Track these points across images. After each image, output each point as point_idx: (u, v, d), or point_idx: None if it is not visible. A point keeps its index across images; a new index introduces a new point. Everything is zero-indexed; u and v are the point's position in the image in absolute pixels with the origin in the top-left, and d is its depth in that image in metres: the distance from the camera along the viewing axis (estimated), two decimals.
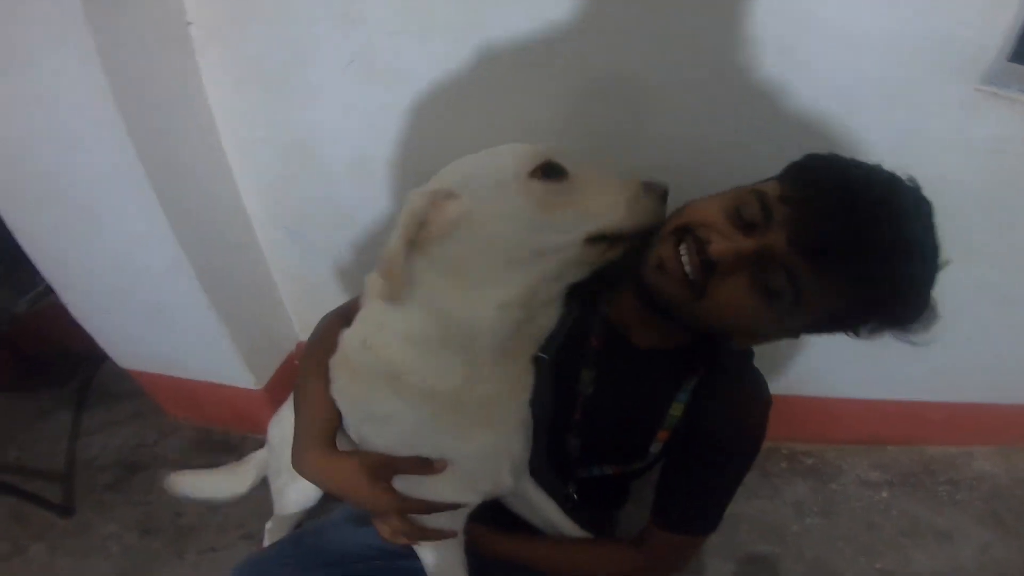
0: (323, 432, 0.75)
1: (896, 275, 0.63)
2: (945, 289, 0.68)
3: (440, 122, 1.06)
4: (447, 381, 0.67)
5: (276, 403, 1.14)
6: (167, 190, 1.08)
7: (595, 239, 0.66)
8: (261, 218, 1.32)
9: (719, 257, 0.66)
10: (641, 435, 0.84)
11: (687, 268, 0.67)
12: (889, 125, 1.01)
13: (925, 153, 0.99)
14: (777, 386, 1.34)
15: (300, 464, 0.76)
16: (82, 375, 1.83)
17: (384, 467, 0.71)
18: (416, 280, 0.65)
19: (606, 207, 0.66)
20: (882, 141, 1.02)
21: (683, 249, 0.68)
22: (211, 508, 1.47)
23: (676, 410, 0.82)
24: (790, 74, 0.98)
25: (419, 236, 0.63)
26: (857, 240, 0.61)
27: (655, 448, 0.84)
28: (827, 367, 1.46)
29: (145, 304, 1.31)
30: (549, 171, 0.65)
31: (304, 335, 1.51)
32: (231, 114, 1.15)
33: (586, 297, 0.82)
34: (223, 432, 1.67)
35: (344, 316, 0.78)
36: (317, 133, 1.15)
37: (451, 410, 0.69)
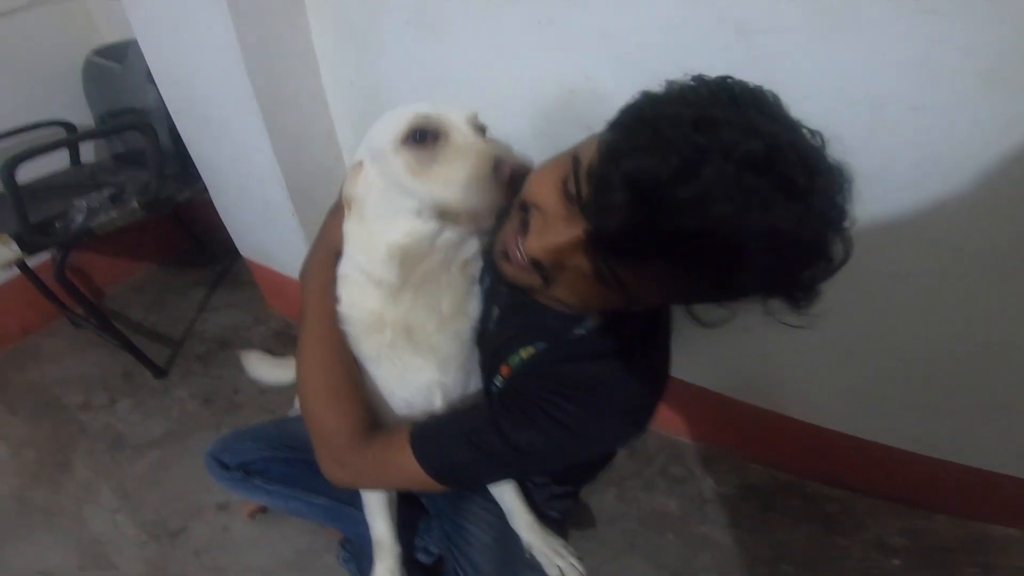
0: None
1: (740, 261, 0.56)
2: None
3: (474, 69, 1.28)
4: (368, 305, 0.82)
5: None
6: (273, 116, 1.44)
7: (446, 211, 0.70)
8: (348, 146, 1.64)
9: (535, 255, 0.67)
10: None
11: (522, 256, 0.69)
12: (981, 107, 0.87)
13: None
14: (814, 414, 1.39)
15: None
16: (224, 263, 2.36)
17: None
18: (351, 229, 0.81)
19: (448, 183, 0.68)
20: (973, 126, 0.89)
21: (518, 237, 0.70)
22: (262, 391, 1.83)
23: (525, 353, 0.84)
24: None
25: (350, 196, 0.79)
26: (652, 237, 0.56)
27: (498, 382, 0.87)
28: (876, 405, 1.34)
29: (256, 201, 1.69)
30: (420, 136, 0.70)
31: None
32: (331, 61, 1.47)
33: None
34: (298, 326, 2.07)
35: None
36: (384, 80, 1.43)
37: (378, 331, 0.82)
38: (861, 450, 1.39)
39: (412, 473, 0.80)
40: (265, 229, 1.77)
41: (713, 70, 0.64)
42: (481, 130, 0.74)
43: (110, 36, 1.96)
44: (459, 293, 0.84)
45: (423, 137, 0.70)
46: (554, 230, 0.65)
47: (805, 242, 0.57)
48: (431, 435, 0.81)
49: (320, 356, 0.86)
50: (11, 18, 1.84)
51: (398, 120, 0.72)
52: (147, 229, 2.18)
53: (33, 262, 1.87)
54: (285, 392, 1.67)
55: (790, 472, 1.56)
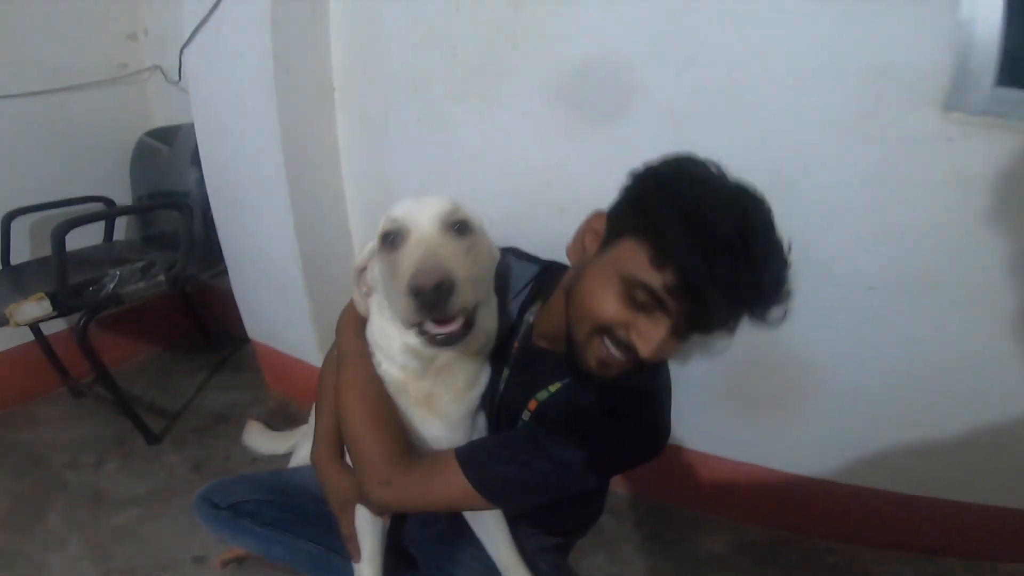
0: (336, 441, 1.05)
1: (768, 304, 0.79)
2: None
3: (470, 160, 1.56)
4: (393, 374, 0.96)
5: None
6: (298, 203, 1.70)
7: None
8: (360, 233, 1.88)
9: (654, 357, 0.82)
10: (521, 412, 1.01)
11: (622, 358, 0.84)
12: (853, 164, 1.14)
13: (890, 190, 1.13)
14: (803, 464, 1.51)
15: (316, 461, 1.07)
16: (227, 351, 2.53)
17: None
18: (374, 313, 0.96)
19: (394, 296, 0.79)
20: (849, 182, 1.16)
21: (611, 346, 0.84)
22: (254, 459, 1.91)
23: (552, 388, 0.98)
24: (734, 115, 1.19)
25: (359, 280, 0.95)
26: (735, 302, 0.78)
27: (525, 416, 0.99)
28: (867, 450, 1.44)
29: (273, 283, 1.90)
30: (391, 240, 0.80)
31: None
32: (350, 154, 1.77)
33: (523, 305, 1.07)
34: (296, 406, 2.19)
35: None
36: (395, 170, 1.70)
37: (402, 393, 0.96)
38: (856, 498, 1.48)
39: (458, 489, 0.89)
40: (278, 311, 1.97)
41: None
42: (456, 224, 0.83)
43: (161, 121, 2.30)
44: (474, 370, 0.99)
45: (392, 241, 0.79)
46: (653, 334, 0.81)
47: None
48: (478, 453, 0.92)
49: (359, 388, 0.98)
50: (76, 92, 2.16)
51: (382, 221, 0.82)
52: (155, 315, 2.38)
53: (47, 330, 2.06)
54: (276, 463, 1.79)
55: (786, 528, 1.61)
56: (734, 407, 1.53)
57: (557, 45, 1.34)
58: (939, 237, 1.15)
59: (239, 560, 1.51)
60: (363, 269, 0.96)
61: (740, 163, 1.08)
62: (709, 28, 1.17)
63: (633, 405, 0.93)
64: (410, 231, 0.79)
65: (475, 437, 1.03)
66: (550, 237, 1.12)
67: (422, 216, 0.80)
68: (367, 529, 1.06)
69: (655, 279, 0.78)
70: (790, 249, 0.81)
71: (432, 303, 0.71)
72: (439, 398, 0.97)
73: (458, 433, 1.01)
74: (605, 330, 0.84)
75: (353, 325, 1.02)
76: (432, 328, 0.76)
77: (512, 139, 1.46)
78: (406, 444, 0.96)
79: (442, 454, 0.93)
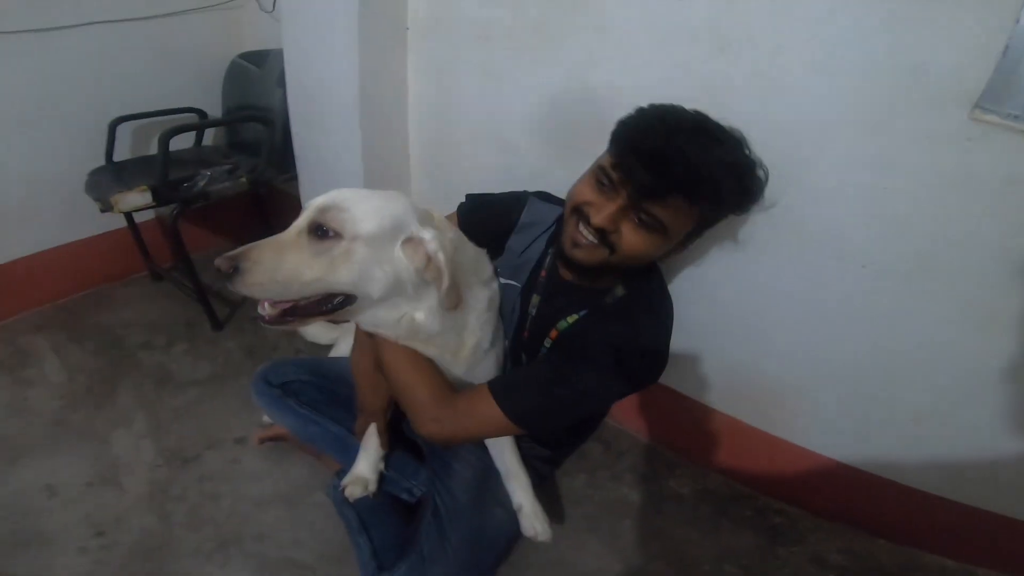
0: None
1: (718, 188, 1.00)
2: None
3: (529, 115, 1.69)
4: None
5: None
6: (367, 126, 1.87)
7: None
8: (417, 163, 2.06)
9: (601, 224, 1.03)
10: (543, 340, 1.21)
11: (590, 237, 1.05)
12: (871, 152, 1.22)
13: (914, 186, 1.20)
14: (775, 427, 1.64)
15: (355, 366, 1.31)
16: None
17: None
18: None
19: None
20: (864, 168, 1.23)
21: (581, 227, 1.06)
22: (297, 350, 2.19)
23: (571, 319, 1.17)
24: (765, 95, 1.29)
25: None
26: (669, 176, 0.97)
27: (547, 343, 1.19)
28: (821, 417, 1.56)
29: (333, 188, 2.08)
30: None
31: None
32: (416, 91, 1.93)
33: (549, 240, 1.28)
34: None
35: None
36: (454, 111, 1.86)
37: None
38: (813, 465, 1.60)
39: (496, 419, 1.07)
40: None
41: None
42: (318, 228, 1.03)
43: (252, 45, 2.50)
44: (478, 330, 1.18)
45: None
46: (606, 207, 1.03)
47: (742, 166, 1.06)
48: (510, 386, 1.10)
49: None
50: (179, 18, 2.38)
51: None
52: (228, 211, 2.62)
53: (138, 219, 2.37)
54: (319, 352, 2.03)
55: (746, 484, 1.76)
56: (727, 362, 1.66)
57: (615, 13, 1.42)
58: (939, 229, 1.22)
59: (274, 440, 1.75)
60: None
61: (763, 135, 1.20)
62: (758, 13, 1.24)
63: (639, 336, 1.10)
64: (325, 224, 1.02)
65: (484, 376, 1.21)
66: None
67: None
68: (372, 434, 1.33)
69: (606, 160, 1.04)
70: (741, 143, 1.08)
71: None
72: (450, 359, 1.18)
73: (472, 374, 1.21)
74: (578, 211, 1.07)
75: None
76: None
77: (564, 94, 1.58)
78: (446, 384, 1.15)
79: (479, 389, 1.11)
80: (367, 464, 1.34)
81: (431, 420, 1.11)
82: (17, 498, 1.61)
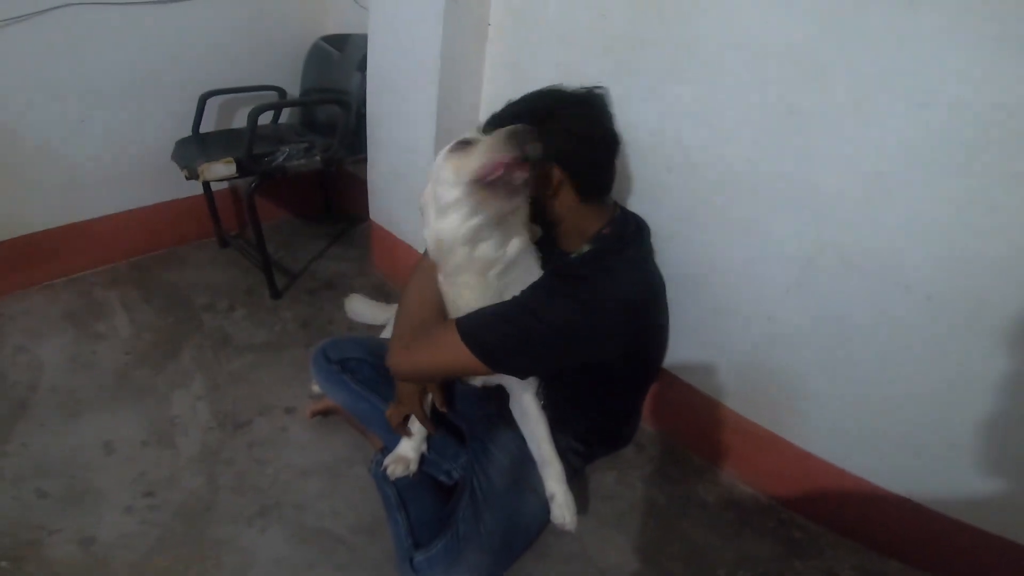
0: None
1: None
2: None
3: None
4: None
5: None
6: (442, 115, 1.94)
7: None
8: None
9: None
10: None
11: None
12: (955, 188, 1.20)
13: (992, 224, 1.18)
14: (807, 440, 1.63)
15: (389, 359, 1.28)
16: (345, 226, 2.96)
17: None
18: None
19: None
20: (945, 204, 1.21)
21: None
22: (351, 326, 2.26)
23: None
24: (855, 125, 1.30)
25: None
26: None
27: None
28: (860, 438, 1.54)
29: (404, 178, 2.21)
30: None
31: None
32: (491, 84, 1.97)
33: None
34: (392, 285, 2.54)
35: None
36: None
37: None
38: (840, 483, 1.58)
39: (458, 352, 1.12)
40: (401, 200, 2.30)
41: None
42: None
43: (334, 29, 2.61)
44: (478, 291, 1.21)
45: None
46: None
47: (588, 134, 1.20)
48: (474, 318, 1.15)
49: (418, 278, 1.28)
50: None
51: None
52: (295, 186, 2.77)
53: (214, 187, 2.50)
54: (370, 331, 2.09)
55: (773, 497, 1.75)
56: (760, 375, 1.65)
57: (698, 29, 1.43)
58: (1008, 267, 1.19)
59: (324, 414, 1.83)
60: None
61: (845, 164, 1.25)
62: (855, 43, 1.22)
63: (596, 285, 1.16)
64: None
65: None
66: (657, 192, 1.39)
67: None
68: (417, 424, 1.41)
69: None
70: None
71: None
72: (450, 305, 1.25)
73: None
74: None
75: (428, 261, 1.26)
76: None
77: (636, 105, 1.57)
78: (436, 322, 1.21)
79: (448, 322, 1.17)
80: (410, 444, 1.41)
81: (402, 346, 1.21)
82: (75, 453, 1.68)
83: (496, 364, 1.14)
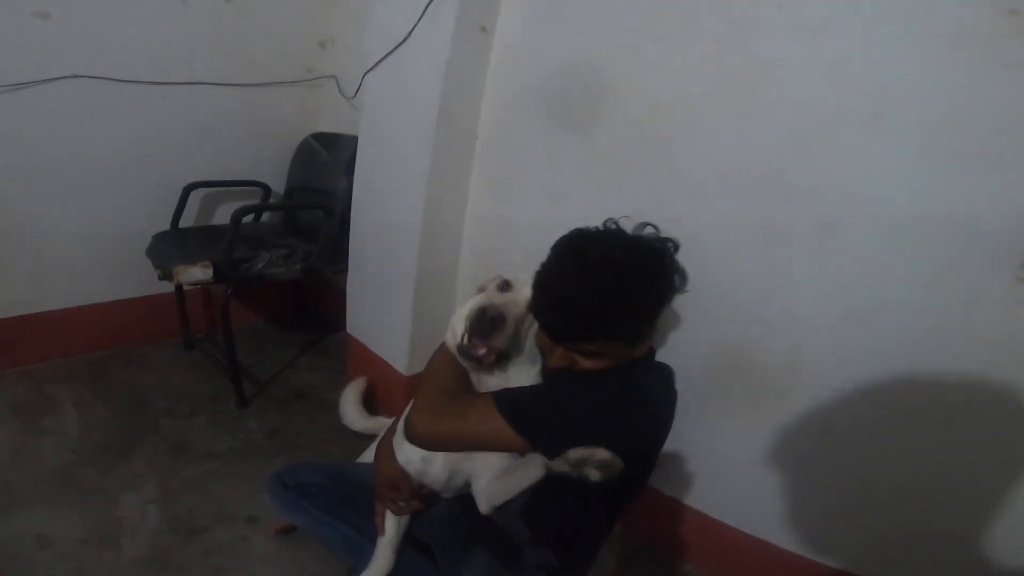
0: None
1: (627, 324, 1.14)
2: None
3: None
4: None
5: (411, 394, 1.52)
6: (426, 231, 2.00)
7: None
8: (464, 273, 2.17)
9: (556, 366, 1.21)
10: None
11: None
12: (922, 314, 1.32)
13: (960, 348, 1.29)
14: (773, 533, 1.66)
15: (381, 444, 1.43)
16: (319, 334, 2.91)
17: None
18: None
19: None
20: (915, 331, 1.33)
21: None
22: (320, 439, 2.22)
23: None
24: (828, 246, 1.39)
25: None
26: (577, 326, 1.12)
27: None
28: (842, 531, 1.57)
29: (385, 290, 2.22)
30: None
31: None
32: (477, 198, 2.08)
33: None
34: (368, 403, 2.40)
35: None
36: (510, 228, 1.98)
37: None
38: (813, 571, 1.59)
39: (491, 419, 1.14)
40: (380, 314, 2.29)
41: None
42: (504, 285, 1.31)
43: (325, 127, 2.70)
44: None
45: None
46: (555, 351, 1.18)
47: (648, 298, 1.16)
48: (511, 392, 1.19)
49: (442, 355, 1.34)
50: (266, 88, 2.56)
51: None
52: (270, 291, 2.75)
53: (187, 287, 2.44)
54: (339, 444, 2.09)
55: None
56: (734, 469, 1.68)
57: (679, 159, 1.57)
58: (978, 385, 1.28)
59: (287, 531, 1.76)
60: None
61: (817, 290, 1.36)
62: (821, 165, 1.37)
63: (639, 377, 1.23)
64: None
65: None
66: None
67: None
68: (392, 520, 1.40)
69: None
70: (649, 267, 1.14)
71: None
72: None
73: None
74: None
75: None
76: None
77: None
78: (464, 390, 1.27)
79: (482, 393, 1.22)
80: (382, 564, 1.38)
81: (429, 406, 1.23)
82: (5, 544, 1.60)
83: (527, 431, 1.14)
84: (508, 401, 1.15)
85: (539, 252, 1.89)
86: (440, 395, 1.24)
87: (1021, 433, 1.28)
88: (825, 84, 1.34)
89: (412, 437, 1.26)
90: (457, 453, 1.30)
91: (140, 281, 2.41)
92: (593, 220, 1.71)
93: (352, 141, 2.24)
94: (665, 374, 1.31)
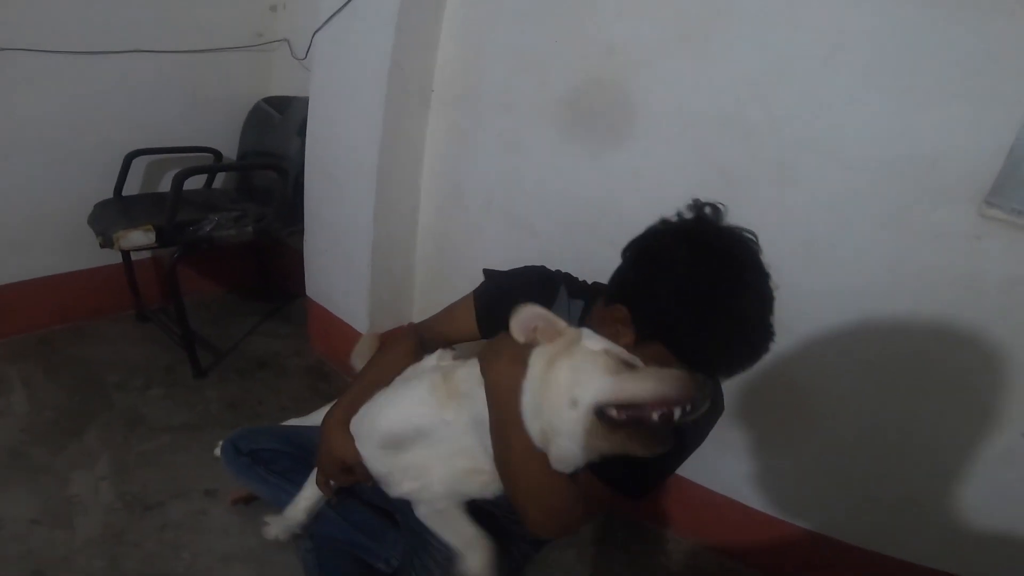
0: (347, 414, 1.20)
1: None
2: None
3: (536, 181, 1.77)
4: None
5: None
6: (382, 187, 1.95)
7: None
8: (424, 226, 2.13)
9: None
10: None
11: None
12: (882, 249, 1.29)
13: (920, 283, 1.27)
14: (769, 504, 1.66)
15: (327, 419, 1.22)
16: (282, 302, 2.83)
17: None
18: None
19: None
20: (874, 267, 1.31)
21: None
22: (282, 408, 2.14)
23: None
24: (787, 185, 1.37)
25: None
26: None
27: None
28: (825, 497, 1.57)
29: (342, 251, 2.17)
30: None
31: (416, 318, 2.22)
32: (433, 155, 2.03)
33: None
34: (331, 367, 2.43)
35: (417, 338, 1.24)
36: (469, 179, 1.95)
37: None
38: (802, 542, 1.61)
39: (607, 497, 0.99)
40: (339, 276, 2.25)
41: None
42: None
43: (278, 91, 2.62)
44: None
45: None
46: None
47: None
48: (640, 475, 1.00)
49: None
50: (215, 54, 2.47)
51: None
52: (226, 258, 2.70)
53: (135, 257, 2.40)
54: (304, 413, 1.91)
55: (737, 560, 1.74)
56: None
57: (636, 100, 1.54)
58: (940, 328, 1.28)
59: (246, 501, 1.71)
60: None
61: (776, 232, 1.26)
62: (778, 103, 1.35)
63: None
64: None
65: None
66: (598, 263, 1.29)
67: None
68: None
69: (629, 337, 0.96)
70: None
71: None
72: None
73: None
74: None
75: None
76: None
77: (578, 172, 1.67)
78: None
79: (590, 481, 0.97)
80: (303, 506, 1.30)
81: (560, 525, 1.00)
82: None
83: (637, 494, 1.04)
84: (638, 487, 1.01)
85: (495, 203, 1.93)
86: (567, 506, 0.97)
87: (983, 380, 1.28)
88: (780, 24, 1.31)
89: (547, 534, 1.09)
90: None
91: (86, 253, 2.30)
92: (551, 168, 1.71)
93: (305, 103, 2.17)
94: None
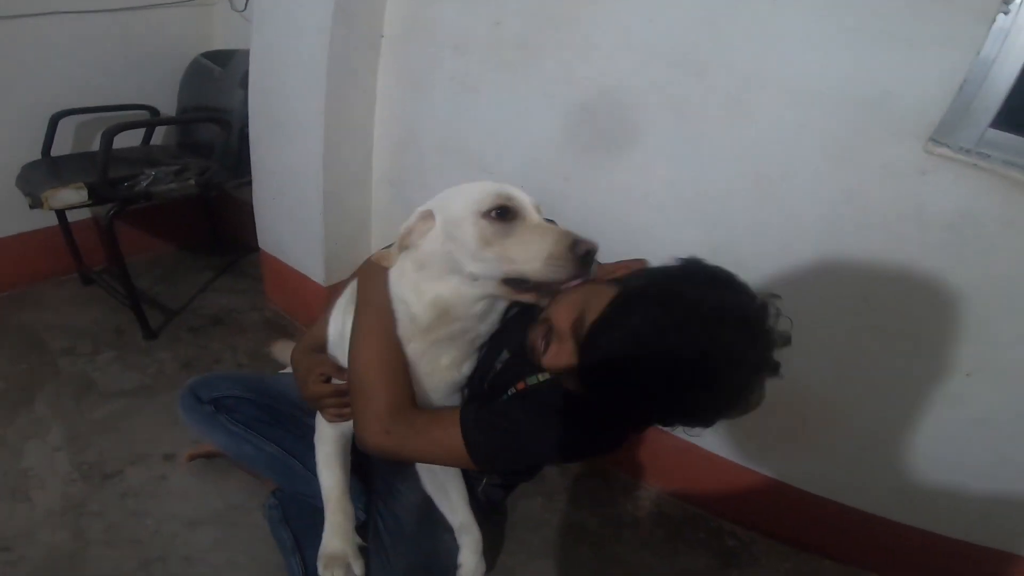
0: (314, 341, 1.22)
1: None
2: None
3: (490, 123, 1.73)
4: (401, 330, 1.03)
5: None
6: (330, 132, 1.87)
7: (512, 280, 0.89)
8: (380, 171, 2.08)
9: (546, 365, 0.96)
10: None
11: (538, 354, 0.97)
12: (831, 184, 1.30)
13: (868, 218, 1.27)
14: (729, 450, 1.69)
15: (294, 352, 1.23)
16: (235, 256, 2.76)
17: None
18: (400, 266, 1.01)
19: (528, 257, 0.87)
20: (824, 200, 1.31)
21: (539, 338, 0.95)
22: (240, 364, 2.11)
23: (541, 377, 1.06)
24: (738, 118, 1.36)
25: (407, 239, 0.98)
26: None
27: (511, 392, 1.08)
28: (775, 442, 1.61)
29: (292, 200, 2.10)
30: (501, 213, 0.89)
31: None
32: (385, 98, 1.95)
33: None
34: (290, 319, 2.39)
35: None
36: (422, 119, 1.89)
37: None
38: (764, 490, 1.65)
39: (454, 450, 0.98)
40: (291, 226, 2.19)
41: None
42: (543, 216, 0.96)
43: (219, 45, 2.50)
44: (460, 355, 1.08)
45: (502, 214, 0.89)
46: (560, 357, 0.92)
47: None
48: (483, 424, 0.99)
49: (376, 337, 1.04)
50: (149, 11, 2.35)
51: (480, 194, 0.91)
52: (172, 214, 2.61)
53: (72, 217, 2.27)
54: (263, 369, 1.98)
55: (700, 506, 1.80)
56: None
57: (598, 33, 1.49)
58: (884, 268, 1.30)
59: (207, 456, 1.67)
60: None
61: (729, 167, 1.32)
62: (730, 39, 1.32)
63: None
64: (524, 210, 0.91)
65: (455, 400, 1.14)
66: (556, 199, 1.33)
67: (527, 200, 0.93)
68: (334, 494, 1.16)
69: (597, 304, 0.89)
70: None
71: (583, 263, 0.85)
72: (421, 368, 1.06)
73: (433, 400, 1.10)
74: (550, 326, 0.95)
75: (381, 277, 1.06)
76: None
77: (532, 111, 1.63)
78: (412, 396, 1.04)
79: (446, 414, 1.01)
80: (339, 533, 1.12)
81: (382, 431, 1.00)
82: None
83: (484, 466, 1.04)
84: (478, 446, 0.97)
85: (451, 143, 1.87)
86: (388, 409, 0.99)
87: (928, 318, 1.30)
88: None
89: (370, 449, 1.04)
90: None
91: (19, 216, 2.19)
92: (505, 107, 1.67)
93: (247, 56, 2.04)
94: None
